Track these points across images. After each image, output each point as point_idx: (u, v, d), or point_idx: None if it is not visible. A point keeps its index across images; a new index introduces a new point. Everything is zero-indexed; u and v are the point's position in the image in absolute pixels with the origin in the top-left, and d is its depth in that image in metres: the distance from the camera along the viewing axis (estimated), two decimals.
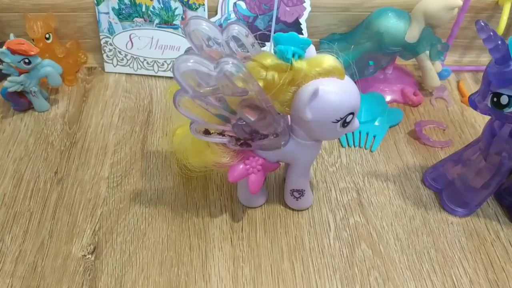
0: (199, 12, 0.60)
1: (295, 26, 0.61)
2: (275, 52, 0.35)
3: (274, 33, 0.58)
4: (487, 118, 0.59)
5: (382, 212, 0.47)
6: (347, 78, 0.36)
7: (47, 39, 0.58)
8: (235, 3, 0.60)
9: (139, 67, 0.63)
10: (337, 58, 0.35)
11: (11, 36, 0.53)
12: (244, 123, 0.36)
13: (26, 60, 0.52)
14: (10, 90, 0.54)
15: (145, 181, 0.49)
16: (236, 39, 0.38)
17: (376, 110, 0.57)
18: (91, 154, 0.52)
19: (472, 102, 0.40)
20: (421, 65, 0.59)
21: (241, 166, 0.40)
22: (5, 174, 0.50)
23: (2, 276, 0.41)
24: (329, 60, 0.35)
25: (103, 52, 0.63)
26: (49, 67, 0.55)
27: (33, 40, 0.57)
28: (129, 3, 0.60)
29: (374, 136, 0.55)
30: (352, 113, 0.36)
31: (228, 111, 0.36)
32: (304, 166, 0.42)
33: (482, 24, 0.36)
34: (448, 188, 0.47)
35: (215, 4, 0.61)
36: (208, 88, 0.34)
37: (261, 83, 0.34)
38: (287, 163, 0.44)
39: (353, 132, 0.54)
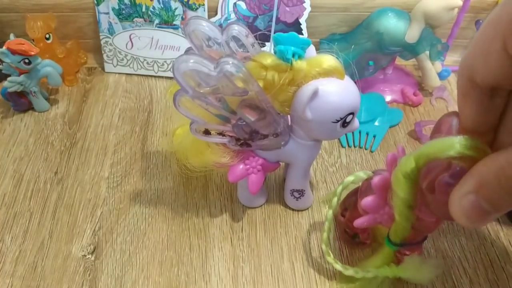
0: (199, 12, 0.60)
1: (295, 26, 0.61)
2: (275, 52, 0.35)
3: (274, 33, 0.58)
4: None
5: None
6: (347, 78, 0.36)
7: (47, 39, 0.58)
8: (235, 3, 0.60)
9: (139, 67, 0.63)
10: (337, 58, 0.35)
11: (11, 36, 0.53)
12: (244, 123, 0.36)
13: (26, 60, 0.52)
14: (10, 90, 0.54)
15: (145, 181, 0.49)
16: (236, 39, 0.38)
17: (376, 110, 0.57)
18: (91, 154, 0.52)
19: None
20: (421, 65, 0.59)
21: (241, 166, 0.40)
22: (5, 174, 0.50)
23: (2, 276, 0.41)
24: (329, 60, 0.35)
25: (103, 52, 0.63)
26: (49, 67, 0.55)
27: (33, 40, 0.57)
28: (129, 3, 0.60)
29: (374, 136, 0.55)
30: (352, 113, 0.36)
31: (228, 111, 0.36)
32: (304, 166, 0.42)
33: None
34: None
35: (215, 4, 0.61)
36: (208, 88, 0.34)
37: (261, 83, 0.34)
38: (287, 163, 0.44)
39: (353, 132, 0.54)
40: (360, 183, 0.37)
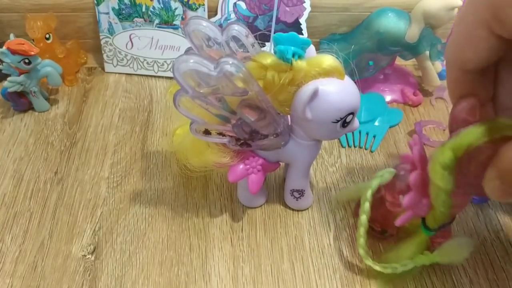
0: (199, 12, 0.60)
1: (295, 26, 0.61)
2: (275, 52, 0.35)
3: (274, 33, 0.58)
4: None
5: None
6: (347, 78, 0.36)
7: (47, 39, 0.58)
8: (235, 3, 0.60)
9: (139, 67, 0.63)
10: (337, 58, 0.35)
11: (11, 36, 0.53)
12: (244, 123, 0.36)
13: (26, 60, 0.52)
14: (10, 90, 0.54)
15: (145, 181, 0.49)
16: (236, 39, 0.38)
17: (376, 110, 0.57)
18: (91, 154, 0.52)
19: None
20: (421, 65, 0.59)
21: (241, 166, 0.40)
22: (5, 174, 0.50)
23: (2, 276, 0.41)
24: (329, 60, 0.35)
25: (103, 52, 0.63)
26: (49, 67, 0.55)
27: (33, 40, 0.57)
28: (129, 3, 0.60)
29: (374, 136, 0.55)
30: (352, 113, 0.36)
31: (228, 111, 0.36)
32: (304, 166, 0.42)
33: None
34: None
35: (215, 4, 0.61)
36: (208, 88, 0.34)
37: (261, 83, 0.34)
38: (287, 163, 0.44)
39: (353, 132, 0.54)
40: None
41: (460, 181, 0.31)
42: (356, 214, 0.44)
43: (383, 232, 0.42)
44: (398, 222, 0.35)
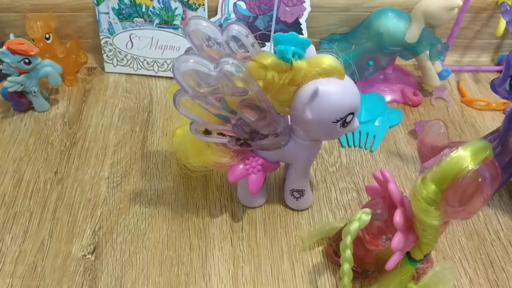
0: (199, 12, 0.60)
1: (295, 26, 0.61)
2: (275, 52, 0.35)
3: (274, 33, 0.58)
4: (487, 118, 0.59)
5: None
6: (347, 78, 0.36)
7: (47, 39, 0.58)
8: (235, 3, 0.60)
9: (139, 67, 0.63)
10: (337, 58, 0.35)
11: (11, 36, 0.53)
12: (244, 123, 0.36)
13: (26, 60, 0.52)
14: (10, 90, 0.54)
15: (145, 181, 0.49)
16: (236, 39, 0.38)
17: (376, 110, 0.57)
18: (91, 154, 0.52)
19: (493, 85, 0.41)
20: (421, 65, 0.59)
21: (241, 166, 0.40)
22: (5, 174, 0.50)
23: (2, 276, 0.41)
24: (329, 60, 0.35)
25: (103, 52, 0.63)
26: (49, 67, 0.55)
27: (33, 40, 0.57)
28: (129, 3, 0.60)
29: (374, 136, 0.55)
30: (352, 113, 0.36)
31: (228, 111, 0.36)
32: (304, 166, 0.42)
33: (508, 7, 0.35)
34: None
35: (215, 4, 0.61)
36: (208, 88, 0.34)
37: (261, 83, 0.34)
38: (287, 163, 0.44)
39: (353, 132, 0.54)
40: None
41: (446, 211, 0.29)
42: (330, 256, 0.42)
43: (364, 272, 0.40)
44: (388, 266, 0.33)
